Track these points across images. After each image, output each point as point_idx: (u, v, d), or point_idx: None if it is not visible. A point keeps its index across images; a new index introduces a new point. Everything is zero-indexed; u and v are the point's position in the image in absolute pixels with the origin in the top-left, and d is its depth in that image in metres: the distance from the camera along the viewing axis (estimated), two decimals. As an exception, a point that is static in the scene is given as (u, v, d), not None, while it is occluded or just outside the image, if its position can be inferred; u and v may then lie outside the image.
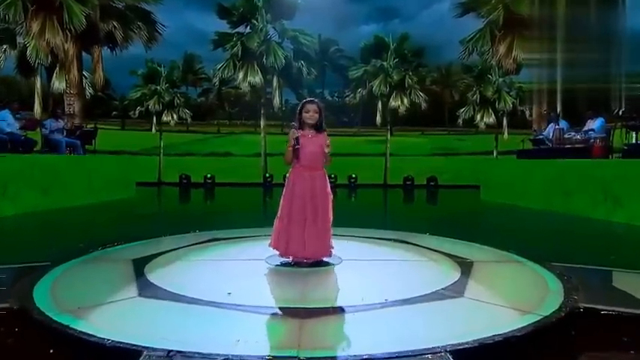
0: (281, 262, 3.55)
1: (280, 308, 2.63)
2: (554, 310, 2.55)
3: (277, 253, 3.52)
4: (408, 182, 17.13)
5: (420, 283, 3.08)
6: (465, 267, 3.54)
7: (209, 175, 16.97)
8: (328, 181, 3.54)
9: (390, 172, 18.52)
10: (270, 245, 3.53)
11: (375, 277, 3.34)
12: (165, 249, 4.18)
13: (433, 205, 12.14)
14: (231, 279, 3.21)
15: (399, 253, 4.20)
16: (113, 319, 2.43)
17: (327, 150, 3.44)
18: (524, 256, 3.97)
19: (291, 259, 3.50)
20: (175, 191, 15.58)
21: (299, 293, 2.98)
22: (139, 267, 3.46)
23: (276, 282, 3.28)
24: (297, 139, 3.38)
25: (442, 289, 2.95)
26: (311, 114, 3.45)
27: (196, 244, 4.50)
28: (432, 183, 17.10)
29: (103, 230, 6.23)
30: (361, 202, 12.27)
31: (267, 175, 17.19)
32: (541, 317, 2.42)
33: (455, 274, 3.30)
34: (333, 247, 3.55)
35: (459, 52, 16.21)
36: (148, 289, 2.93)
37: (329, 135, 3.52)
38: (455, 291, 2.93)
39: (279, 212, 3.48)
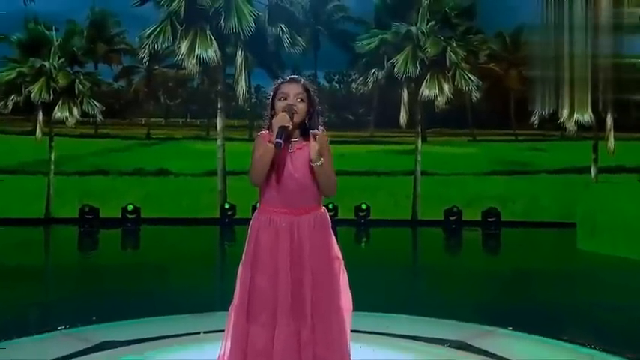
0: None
1: None
2: None
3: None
4: (452, 218, 16.95)
5: None
6: None
7: (131, 207, 16.79)
8: (331, 229, 3.10)
9: (423, 202, 18.34)
10: (219, 358, 3.07)
11: None
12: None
13: (496, 257, 12.08)
14: None
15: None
16: None
17: (315, 157, 2.86)
18: None
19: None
20: (72, 233, 15.46)
21: None
22: None
23: None
24: (282, 130, 2.79)
25: None
26: (291, 101, 2.93)
27: (67, 357, 3.92)
28: (491, 219, 16.84)
29: None
30: (376, 252, 12.20)
31: (227, 206, 17.01)
32: None
33: None
34: None
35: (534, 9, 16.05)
36: None
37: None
38: None
39: (235, 296, 3.04)
